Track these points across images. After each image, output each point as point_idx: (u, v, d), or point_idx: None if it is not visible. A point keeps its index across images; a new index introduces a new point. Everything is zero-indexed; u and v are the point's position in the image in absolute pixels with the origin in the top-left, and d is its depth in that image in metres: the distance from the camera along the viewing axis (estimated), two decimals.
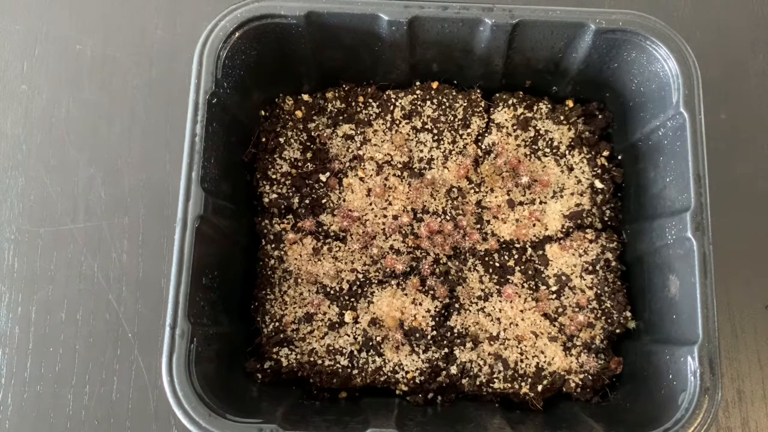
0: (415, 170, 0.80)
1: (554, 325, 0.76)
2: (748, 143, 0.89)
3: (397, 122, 0.81)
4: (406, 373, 0.74)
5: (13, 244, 0.86)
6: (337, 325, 0.76)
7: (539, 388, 0.74)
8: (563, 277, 0.77)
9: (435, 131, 0.81)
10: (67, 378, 0.82)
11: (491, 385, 0.74)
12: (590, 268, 0.78)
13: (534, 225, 0.79)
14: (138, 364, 0.82)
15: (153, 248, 0.85)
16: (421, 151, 0.81)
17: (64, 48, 0.92)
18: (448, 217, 0.79)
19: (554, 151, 0.81)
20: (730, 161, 0.88)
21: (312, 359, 0.74)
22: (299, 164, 0.80)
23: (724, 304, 0.83)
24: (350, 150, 0.81)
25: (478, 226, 0.79)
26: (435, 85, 0.82)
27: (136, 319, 0.83)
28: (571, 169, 0.81)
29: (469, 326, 0.76)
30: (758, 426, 0.81)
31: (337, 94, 0.83)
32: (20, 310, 0.83)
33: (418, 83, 0.83)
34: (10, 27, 0.93)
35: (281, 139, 0.80)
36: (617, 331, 0.76)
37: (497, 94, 0.83)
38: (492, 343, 0.75)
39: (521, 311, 0.76)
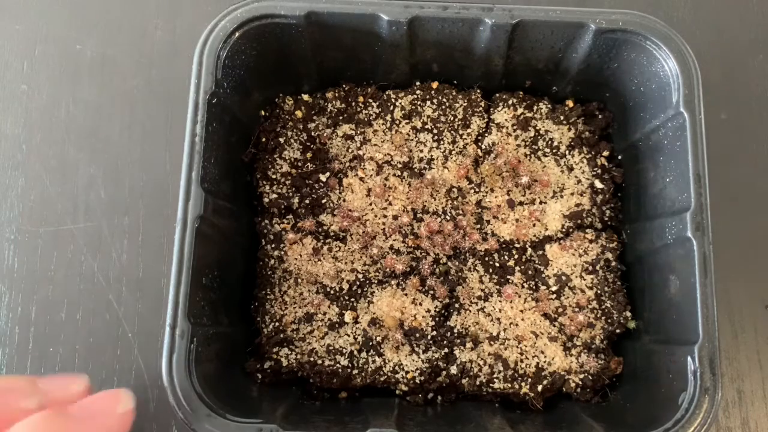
0: (415, 170, 0.80)
1: (554, 325, 0.76)
2: (748, 143, 0.89)
3: (397, 122, 0.81)
4: (406, 373, 0.74)
5: (13, 244, 0.85)
6: (337, 325, 0.76)
7: (539, 388, 0.74)
8: (563, 277, 0.77)
9: (435, 131, 0.81)
10: None
11: (491, 385, 0.74)
12: (590, 268, 0.78)
13: (534, 225, 0.79)
14: (138, 364, 0.82)
15: (153, 248, 0.85)
16: (421, 151, 0.81)
17: (64, 48, 0.92)
18: (448, 217, 0.79)
19: (554, 151, 0.81)
20: (730, 161, 0.88)
21: (312, 359, 0.74)
22: (299, 164, 0.80)
23: (724, 304, 0.83)
24: (350, 150, 0.81)
25: (478, 226, 0.79)
26: (435, 85, 0.82)
27: (136, 319, 0.83)
28: (571, 169, 0.81)
29: (469, 326, 0.76)
30: (758, 426, 0.81)
31: (337, 94, 0.83)
32: (20, 310, 0.83)
33: (418, 83, 0.83)
34: (10, 27, 0.92)
35: (281, 139, 0.80)
36: (617, 331, 0.76)
37: (497, 94, 0.83)
38: (492, 343, 0.75)
39: (521, 311, 0.76)
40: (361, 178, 0.80)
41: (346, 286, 0.77)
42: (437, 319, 0.76)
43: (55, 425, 0.47)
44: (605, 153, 0.82)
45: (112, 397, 0.52)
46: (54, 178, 0.87)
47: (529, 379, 0.74)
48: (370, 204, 0.79)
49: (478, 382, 0.74)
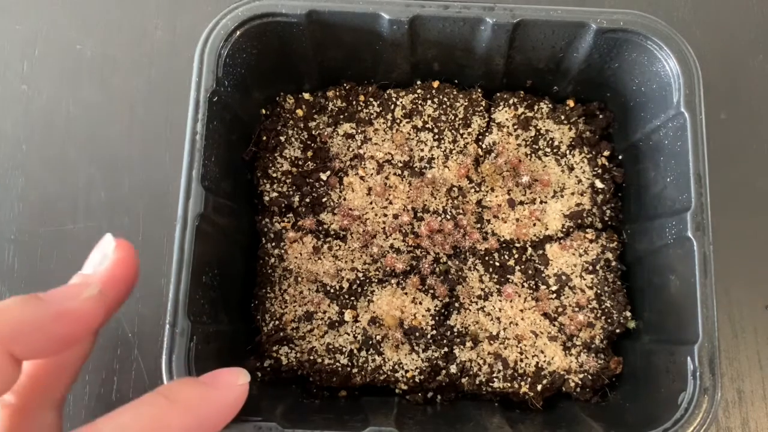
0: (416, 169, 0.80)
1: (554, 325, 0.76)
2: (748, 143, 0.89)
3: (398, 121, 0.81)
4: (406, 372, 0.74)
5: (13, 245, 0.85)
6: (336, 324, 0.76)
7: (539, 387, 0.74)
8: (563, 277, 0.77)
9: (436, 130, 0.81)
10: None
11: (491, 384, 0.74)
12: (590, 267, 0.78)
13: (534, 224, 0.79)
14: (138, 364, 0.82)
15: (153, 248, 0.85)
16: (422, 150, 0.81)
17: (64, 48, 0.92)
18: (448, 217, 0.79)
19: (555, 150, 0.81)
20: (730, 161, 0.88)
21: (312, 358, 0.74)
22: (300, 163, 0.80)
23: (724, 304, 0.83)
24: (351, 149, 0.81)
25: (479, 225, 0.79)
26: (436, 84, 0.82)
27: (136, 319, 0.83)
28: (571, 169, 0.81)
29: (469, 325, 0.76)
30: (758, 426, 0.81)
31: (337, 93, 0.83)
32: None
33: (419, 82, 0.83)
34: (10, 27, 0.92)
35: (282, 138, 0.80)
36: (617, 330, 0.76)
37: (498, 94, 0.83)
38: (492, 342, 0.75)
39: (521, 311, 0.76)
40: (361, 177, 0.80)
41: (346, 285, 0.77)
42: (437, 318, 0.76)
43: (197, 389, 0.56)
44: (606, 153, 0.82)
45: (233, 372, 0.60)
46: (54, 178, 0.87)
47: (529, 379, 0.74)
48: (371, 203, 0.79)
49: (477, 382, 0.74)
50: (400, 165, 0.80)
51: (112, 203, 0.86)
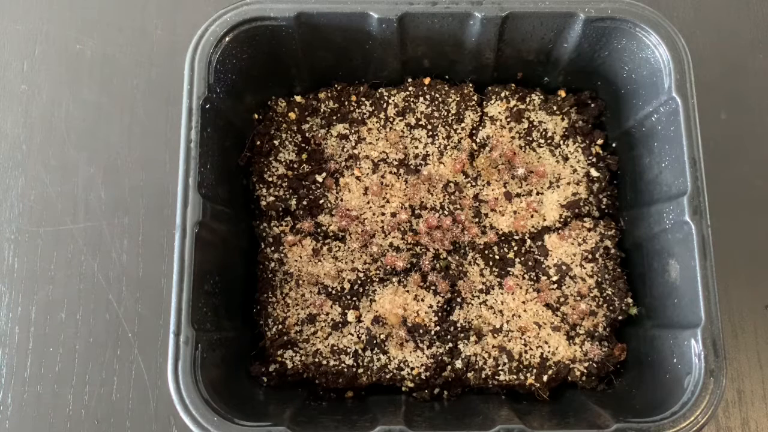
0: (411, 167, 0.80)
1: (557, 315, 0.76)
2: (748, 143, 0.89)
3: (391, 120, 0.81)
4: (412, 369, 0.74)
5: (13, 244, 0.85)
6: (340, 325, 0.76)
7: (545, 378, 0.74)
8: (563, 267, 0.77)
9: (429, 127, 0.81)
10: (67, 378, 0.82)
11: (497, 377, 0.74)
12: (590, 256, 0.78)
13: (532, 216, 0.79)
14: (138, 364, 0.82)
15: (153, 248, 0.85)
16: (416, 147, 0.81)
17: (64, 48, 0.92)
18: (446, 212, 0.79)
19: (549, 141, 0.81)
20: (730, 161, 0.87)
21: (317, 360, 0.74)
22: (295, 166, 0.80)
23: (724, 304, 0.83)
24: (345, 149, 0.81)
25: (477, 219, 0.79)
26: (427, 81, 0.82)
27: (136, 319, 0.83)
28: (566, 159, 0.81)
29: (472, 320, 0.76)
30: (758, 426, 0.81)
31: (329, 95, 0.82)
32: (20, 310, 0.83)
33: (410, 80, 0.83)
34: (10, 27, 0.92)
35: (276, 142, 0.80)
36: (619, 317, 0.76)
37: (489, 87, 0.83)
38: (495, 335, 0.75)
39: (523, 302, 0.76)
40: (357, 177, 0.80)
41: (347, 286, 0.77)
42: (440, 314, 0.76)
43: None
44: (599, 141, 0.82)
45: None
46: (54, 178, 0.88)
47: (534, 370, 0.74)
48: (368, 202, 0.79)
49: (483, 375, 0.74)
50: (395, 163, 0.80)
51: (112, 203, 0.86)
